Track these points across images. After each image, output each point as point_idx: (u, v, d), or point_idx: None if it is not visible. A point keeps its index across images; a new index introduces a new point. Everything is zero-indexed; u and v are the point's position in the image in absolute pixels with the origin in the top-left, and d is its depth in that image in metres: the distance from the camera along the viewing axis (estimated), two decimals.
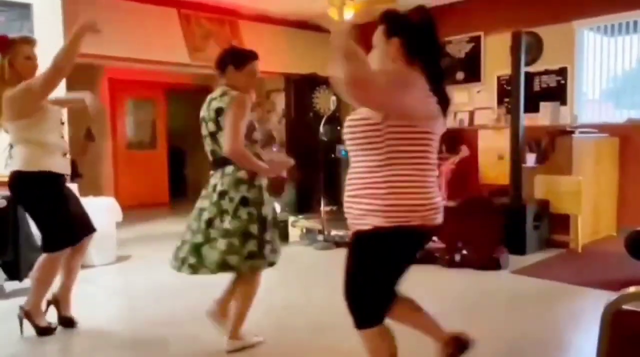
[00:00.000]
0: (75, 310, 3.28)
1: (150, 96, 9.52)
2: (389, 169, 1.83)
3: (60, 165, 3.08)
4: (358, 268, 1.95)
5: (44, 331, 3.11)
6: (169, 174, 9.81)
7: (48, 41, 4.73)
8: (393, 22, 1.95)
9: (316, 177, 6.69)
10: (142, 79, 8.77)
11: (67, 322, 3.24)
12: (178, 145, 10.30)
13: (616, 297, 1.16)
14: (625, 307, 1.14)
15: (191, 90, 9.39)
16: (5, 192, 3.91)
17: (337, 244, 5.56)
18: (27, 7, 4.60)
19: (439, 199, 1.94)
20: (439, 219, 1.94)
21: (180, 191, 10.36)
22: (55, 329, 3.17)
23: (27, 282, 4.07)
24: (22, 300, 3.84)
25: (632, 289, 1.15)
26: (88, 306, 3.50)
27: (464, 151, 6.60)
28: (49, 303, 3.24)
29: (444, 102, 1.90)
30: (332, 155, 7.59)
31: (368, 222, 1.86)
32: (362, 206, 1.88)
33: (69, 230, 3.09)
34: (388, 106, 1.79)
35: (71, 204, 3.16)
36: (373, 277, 1.93)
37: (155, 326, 3.35)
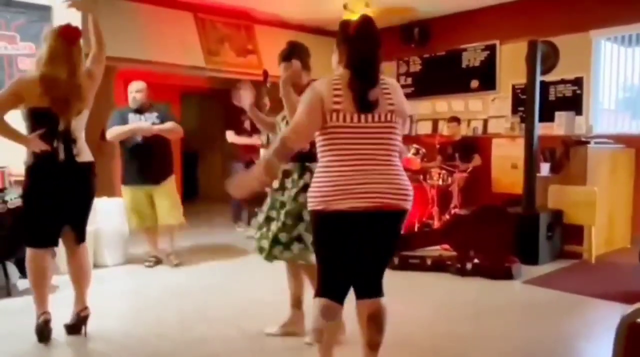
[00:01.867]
0: (95, 306, 3.29)
1: (164, 99, 9.57)
2: (321, 162, 2.16)
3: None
4: (315, 243, 2.31)
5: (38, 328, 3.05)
6: (182, 175, 9.87)
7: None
8: (339, 33, 2.23)
9: None
10: (156, 82, 8.84)
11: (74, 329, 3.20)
12: (191, 148, 10.36)
13: (632, 310, 1.15)
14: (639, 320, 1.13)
15: (205, 94, 9.45)
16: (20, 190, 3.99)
17: None
18: (47, 9, 4.66)
19: (354, 186, 2.07)
20: (350, 203, 2.07)
21: (193, 192, 10.41)
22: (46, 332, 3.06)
23: None
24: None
25: None
26: (99, 305, 3.52)
27: (477, 160, 6.57)
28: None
29: (362, 102, 2.08)
30: None
31: (310, 205, 2.19)
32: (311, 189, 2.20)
33: (35, 229, 3.08)
34: (305, 128, 2.13)
35: (58, 202, 3.13)
36: (320, 252, 2.26)
37: (164, 326, 3.36)
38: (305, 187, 2.85)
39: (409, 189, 2.15)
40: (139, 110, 4.75)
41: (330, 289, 2.20)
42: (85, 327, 3.15)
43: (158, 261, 4.98)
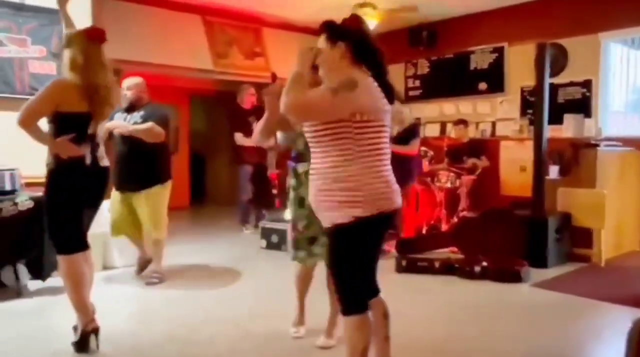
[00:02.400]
0: (103, 307, 3.30)
1: (172, 101, 9.63)
2: (361, 162, 2.04)
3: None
4: (343, 258, 2.14)
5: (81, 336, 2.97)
6: (189, 178, 9.91)
7: None
8: (334, 30, 2.17)
9: None
10: (164, 84, 8.89)
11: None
12: (199, 150, 10.40)
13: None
14: None
15: (213, 96, 9.48)
16: (33, 192, 4.02)
17: None
18: (57, 12, 4.68)
19: (395, 184, 2.14)
20: (398, 201, 2.14)
21: (200, 195, 10.45)
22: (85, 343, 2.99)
23: (50, 282, 4.17)
24: (45, 299, 3.94)
25: None
26: (107, 306, 3.53)
27: (484, 161, 6.55)
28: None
29: (389, 95, 2.12)
30: None
31: (349, 213, 2.03)
32: (337, 198, 2.05)
33: (69, 235, 3.04)
34: (336, 113, 2.02)
35: (84, 208, 3.13)
36: (354, 266, 2.13)
37: (171, 328, 3.37)
38: None
39: None
40: (129, 109, 4.35)
41: (363, 300, 2.16)
42: (97, 341, 2.98)
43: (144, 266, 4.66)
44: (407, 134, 5.54)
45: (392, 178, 2.13)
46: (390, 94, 2.12)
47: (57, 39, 4.66)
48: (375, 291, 2.27)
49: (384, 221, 2.11)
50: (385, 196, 2.07)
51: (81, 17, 4.87)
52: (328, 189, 2.06)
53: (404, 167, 5.48)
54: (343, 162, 2.03)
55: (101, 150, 3.03)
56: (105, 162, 3.05)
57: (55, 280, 4.35)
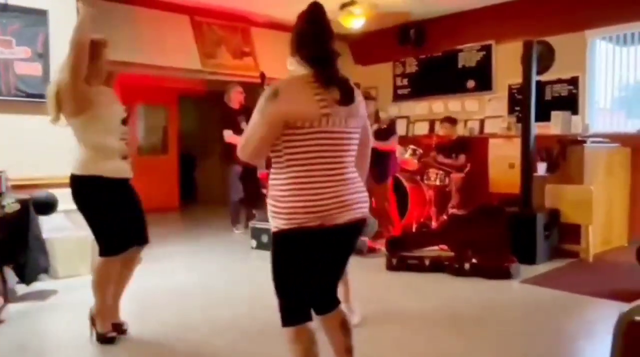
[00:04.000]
0: (86, 313, 3.29)
1: (161, 102, 9.59)
2: (288, 172, 1.89)
3: (116, 169, 2.99)
4: (273, 268, 2.00)
5: (101, 338, 3.06)
6: (179, 179, 9.87)
7: (63, 46, 4.81)
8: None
9: None
10: (154, 85, 8.85)
11: (117, 329, 3.18)
12: (188, 151, 10.37)
13: (630, 308, 1.16)
14: (638, 318, 1.14)
15: (202, 96, 9.46)
16: (20, 195, 3.98)
17: None
18: (43, 13, 4.66)
19: (345, 197, 1.91)
20: (346, 216, 1.91)
21: (190, 195, 10.41)
22: (114, 338, 3.08)
23: (37, 286, 4.13)
24: (34, 304, 3.90)
25: None
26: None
27: (460, 159, 6.57)
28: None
29: (343, 96, 1.91)
30: None
31: (275, 224, 1.94)
32: (269, 206, 1.96)
33: (114, 238, 3.03)
34: (273, 130, 1.86)
35: (125, 212, 3.06)
36: (282, 277, 1.98)
37: (166, 328, 3.36)
38: None
39: (368, 200, 2.05)
40: None
41: (297, 312, 1.99)
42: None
43: None
44: (387, 132, 5.79)
45: (335, 190, 1.89)
46: (343, 93, 1.90)
47: (42, 39, 4.63)
48: (330, 306, 2.09)
49: (320, 235, 1.89)
50: (312, 210, 1.85)
51: (67, 18, 4.85)
52: (268, 196, 1.98)
53: (382, 164, 5.59)
54: (275, 171, 1.94)
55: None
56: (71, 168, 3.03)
57: (42, 284, 4.33)
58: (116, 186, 3.00)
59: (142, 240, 3.17)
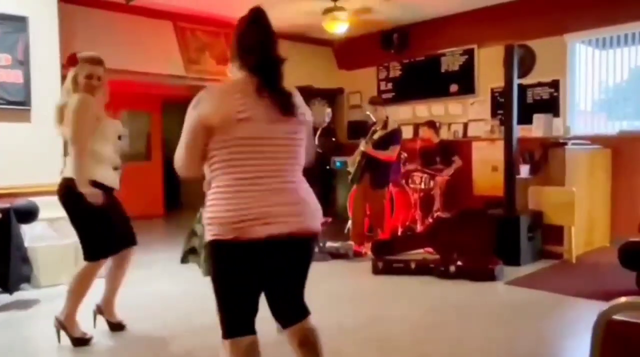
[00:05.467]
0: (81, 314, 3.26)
1: (145, 108, 9.53)
2: (217, 181, 1.81)
3: (108, 177, 3.11)
4: (213, 277, 1.91)
5: (78, 341, 3.11)
6: (163, 185, 9.80)
7: (44, 53, 4.78)
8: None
9: (311, 188, 6.70)
10: (137, 91, 8.79)
11: (116, 327, 3.37)
12: (172, 158, 10.28)
13: (607, 308, 1.17)
14: (616, 317, 1.16)
15: (186, 102, 9.36)
16: (0, 204, 3.93)
17: (332, 255, 5.55)
18: (22, 20, 4.61)
19: (272, 208, 1.75)
20: (268, 230, 1.74)
21: (175, 202, 10.34)
22: (90, 339, 3.16)
23: (19, 295, 4.07)
24: (16, 313, 3.84)
25: (622, 299, 1.16)
26: (87, 316, 3.47)
27: (457, 162, 6.63)
28: (95, 313, 3.38)
29: (281, 105, 1.79)
30: (327, 167, 7.62)
31: (208, 232, 1.86)
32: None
33: (107, 241, 3.11)
34: (198, 139, 1.80)
35: (114, 215, 3.16)
36: (216, 288, 1.88)
37: (148, 338, 3.33)
38: None
39: (318, 210, 1.91)
40: None
41: (237, 324, 1.86)
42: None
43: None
44: (387, 140, 5.50)
45: (257, 200, 1.74)
46: (281, 103, 1.79)
47: (22, 46, 4.59)
48: (288, 319, 1.96)
49: (240, 249, 1.75)
50: (225, 222, 1.73)
51: (47, 24, 4.82)
52: None
53: (380, 170, 5.52)
54: (209, 181, 1.86)
55: (65, 162, 3.12)
56: (64, 173, 3.06)
57: (25, 293, 4.27)
58: (105, 193, 3.08)
59: (131, 241, 3.32)
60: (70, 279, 3.16)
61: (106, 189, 3.07)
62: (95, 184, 3.01)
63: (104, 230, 3.08)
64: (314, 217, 1.87)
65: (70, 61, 3.20)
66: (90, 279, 3.11)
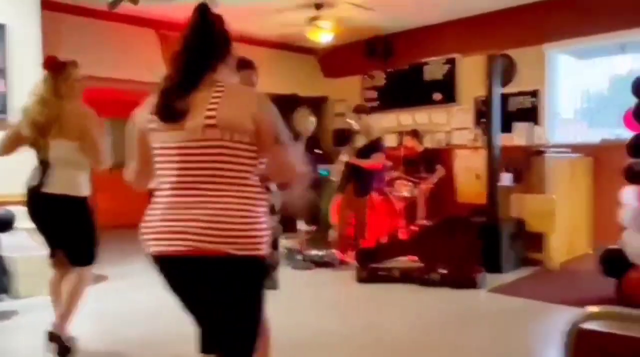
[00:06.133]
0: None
1: (129, 116, 9.43)
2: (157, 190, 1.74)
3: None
4: None
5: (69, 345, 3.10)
6: (148, 194, 9.71)
7: (24, 62, 4.73)
8: None
9: None
10: (120, 99, 8.72)
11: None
12: None
13: (579, 316, 1.19)
14: (585, 326, 1.17)
15: None
16: None
17: (316, 263, 5.54)
18: (0, 27, 4.56)
19: (178, 223, 1.61)
20: (158, 246, 1.65)
21: None
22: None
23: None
24: None
25: (592, 308, 1.17)
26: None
27: (440, 171, 6.67)
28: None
29: (163, 113, 1.65)
30: (312, 175, 7.62)
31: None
32: None
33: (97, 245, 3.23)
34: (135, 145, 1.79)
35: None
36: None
37: (133, 347, 3.29)
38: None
39: (242, 230, 1.59)
40: None
41: (205, 342, 1.78)
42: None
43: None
44: (369, 149, 5.54)
45: (166, 214, 1.64)
46: (161, 108, 1.65)
47: (0, 54, 4.54)
48: (208, 347, 1.75)
49: (160, 264, 1.69)
50: (143, 234, 1.68)
51: (26, 32, 4.78)
52: None
53: (363, 179, 5.56)
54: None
55: (48, 174, 3.01)
56: (56, 188, 3.00)
57: (3, 304, 4.20)
58: None
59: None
60: (70, 290, 3.12)
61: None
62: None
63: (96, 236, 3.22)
64: (219, 238, 1.58)
65: (53, 65, 3.07)
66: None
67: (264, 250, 1.67)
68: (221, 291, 1.65)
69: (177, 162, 1.63)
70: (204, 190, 1.61)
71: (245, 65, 3.21)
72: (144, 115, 1.70)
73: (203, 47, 1.68)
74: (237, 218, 1.60)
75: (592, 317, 1.15)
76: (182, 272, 1.67)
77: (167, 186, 1.65)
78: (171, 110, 1.61)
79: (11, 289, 4.38)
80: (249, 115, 1.61)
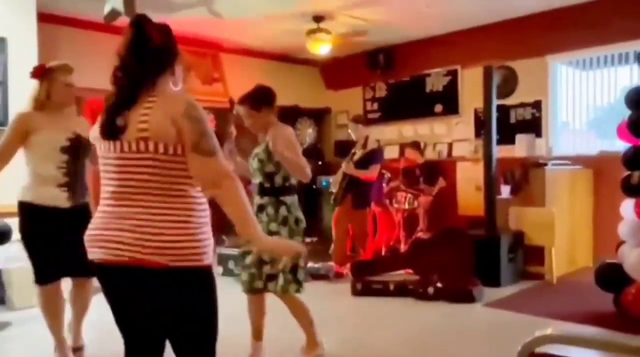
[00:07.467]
0: (46, 345, 3.21)
1: None
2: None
3: (49, 196, 2.94)
4: None
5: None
6: None
7: (23, 74, 4.77)
8: None
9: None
10: None
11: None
12: None
13: (530, 340, 1.16)
14: (538, 350, 1.14)
15: None
16: None
17: (312, 276, 5.50)
18: (1, 40, 4.63)
19: (103, 232, 1.65)
20: (94, 253, 1.68)
21: None
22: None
23: None
24: None
25: (544, 331, 1.15)
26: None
27: (441, 183, 6.63)
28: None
29: (104, 127, 1.67)
30: (313, 186, 7.60)
31: None
32: None
33: (40, 267, 3.01)
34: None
35: (55, 242, 2.97)
36: None
37: None
38: (284, 221, 3.01)
39: (177, 241, 1.60)
40: None
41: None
42: None
43: None
44: (367, 159, 5.48)
45: (99, 222, 1.68)
46: (104, 126, 1.67)
47: (0, 67, 4.60)
48: None
49: (110, 273, 1.69)
50: (94, 244, 1.68)
51: (26, 45, 4.84)
52: None
53: (361, 191, 5.51)
54: None
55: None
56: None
57: None
58: (48, 214, 2.96)
59: (75, 272, 3.07)
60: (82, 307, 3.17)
61: (41, 210, 2.95)
62: (31, 206, 2.95)
63: (38, 255, 3.04)
64: (150, 248, 1.58)
65: (38, 72, 3.02)
66: (43, 304, 3.08)
67: (204, 260, 1.67)
68: (163, 302, 1.67)
69: (115, 173, 1.67)
70: (138, 200, 1.63)
71: None
72: (94, 128, 1.76)
73: (138, 66, 1.67)
74: (171, 230, 1.60)
75: (543, 340, 1.12)
76: (120, 281, 1.69)
77: (107, 195, 1.70)
78: (112, 126, 1.64)
79: (6, 300, 4.39)
80: (170, 121, 1.61)
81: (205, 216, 1.72)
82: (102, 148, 1.71)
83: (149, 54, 1.68)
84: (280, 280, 2.97)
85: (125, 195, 1.64)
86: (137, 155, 1.62)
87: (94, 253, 1.69)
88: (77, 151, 3.04)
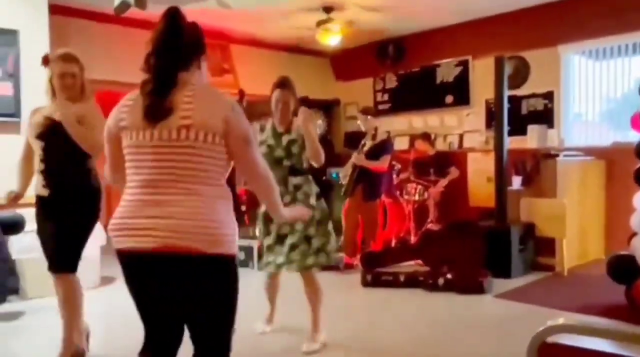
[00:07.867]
0: (58, 335, 3.25)
1: None
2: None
3: (36, 186, 2.98)
4: None
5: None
6: None
7: (35, 67, 4.81)
8: None
9: None
10: None
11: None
12: None
13: (541, 330, 1.16)
14: (549, 340, 1.14)
15: None
16: None
17: (323, 267, 5.49)
18: (13, 33, 4.66)
19: (138, 220, 1.65)
20: (128, 243, 1.67)
21: None
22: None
23: (4, 307, 4.07)
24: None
25: (556, 321, 1.14)
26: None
27: (454, 173, 6.60)
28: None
29: (146, 113, 1.67)
30: (323, 178, 7.60)
31: None
32: None
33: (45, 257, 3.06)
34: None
35: (40, 232, 3.03)
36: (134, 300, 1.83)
37: (132, 353, 3.31)
38: (318, 195, 3.35)
39: (212, 228, 1.63)
40: None
41: (150, 344, 1.85)
42: None
43: None
44: (377, 150, 5.50)
45: (132, 210, 1.67)
46: (147, 107, 1.67)
47: (12, 59, 4.63)
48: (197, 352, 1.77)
49: (124, 261, 1.71)
50: (115, 229, 1.69)
51: (37, 38, 4.86)
52: None
53: (370, 183, 5.51)
54: None
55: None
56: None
57: (10, 305, 4.28)
58: (39, 204, 3.01)
59: (52, 266, 3.00)
60: (66, 306, 3.02)
61: (39, 200, 2.97)
62: (36, 196, 2.97)
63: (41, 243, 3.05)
64: (187, 235, 1.60)
65: (43, 61, 3.00)
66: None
67: (233, 249, 1.71)
68: (189, 289, 1.67)
69: (150, 160, 1.66)
70: (176, 188, 1.63)
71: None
72: (115, 115, 1.75)
73: (173, 53, 1.72)
74: (207, 216, 1.63)
75: (555, 330, 1.12)
76: (150, 269, 1.69)
77: (138, 183, 1.68)
78: (160, 109, 1.65)
79: (20, 290, 4.45)
80: (221, 117, 1.66)
81: (231, 204, 1.76)
82: (132, 136, 1.68)
83: (181, 43, 1.74)
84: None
85: (162, 183, 1.64)
86: (177, 143, 1.63)
87: (121, 242, 1.68)
88: (50, 137, 2.89)
